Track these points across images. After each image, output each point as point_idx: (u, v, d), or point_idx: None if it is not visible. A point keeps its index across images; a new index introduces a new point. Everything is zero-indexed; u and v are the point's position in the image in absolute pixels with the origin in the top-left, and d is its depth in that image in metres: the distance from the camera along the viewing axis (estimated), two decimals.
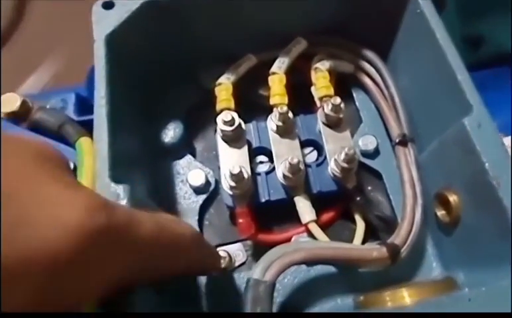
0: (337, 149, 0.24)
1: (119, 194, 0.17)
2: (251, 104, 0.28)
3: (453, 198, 0.21)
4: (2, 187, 0.11)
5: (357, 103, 0.29)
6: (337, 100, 0.24)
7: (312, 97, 0.28)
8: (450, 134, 0.21)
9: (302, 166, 0.23)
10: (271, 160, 0.26)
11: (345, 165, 0.23)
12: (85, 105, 0.31)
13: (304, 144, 0.26)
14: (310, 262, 0.22)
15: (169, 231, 0.16)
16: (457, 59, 0.21)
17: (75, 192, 0.12)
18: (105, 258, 0.12)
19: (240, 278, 0.24)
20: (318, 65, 0.27)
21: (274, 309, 0.21)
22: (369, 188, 0.27)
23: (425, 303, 0.16)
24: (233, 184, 0.22)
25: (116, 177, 0.18)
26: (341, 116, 0.24)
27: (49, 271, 0.11)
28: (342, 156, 0.23)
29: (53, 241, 0.11)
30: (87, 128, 0.27)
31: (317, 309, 0.23)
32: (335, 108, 0.24)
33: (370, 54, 0.28)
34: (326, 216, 0.25)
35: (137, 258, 0.14)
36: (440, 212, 0.22)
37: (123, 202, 0.17)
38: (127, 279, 0.14)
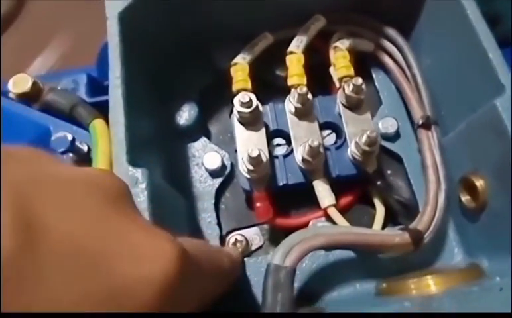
0: (358, 132, 0.23)
1: (138, 178, 0.17)
2: (267, 85, 0.27)
3: (479, 183, 0.20)
4: (81, 238, 0.10)
5: (376, 84, 0.28)
6: (359, 80, 0.23)
7: (330, 78, 0.27)
8: (480, 116, 0.20)
9: (321, 149, 0.22)
10: (288, 143, 0.25)
11: (366, 148, 0.22)
12: (96, 85, 0.30)
13: (322, 127, 0.25)
14: (330, 248, 0.21)
15: (215, 262, 0.16)
16: (488, 37, 0.20)
17: (153, 239, 0.12)
18: (182, 297, 0.13)
19: (257, 262, 0.23)
20: (337, 44, 0.26)
21: None
22: (389, 172, 0.26)
23: (453, 292, 0.15)
24: (251, 168, 0.22)
25: (133, 161, 0.18)
26: (362, 97, 0.23)
27: None
28: (364, 139, 0.22)
29: (139, 298, 0.11)
30: (99, 109, 0.27)
31: (335, 294, 0.23)
32: (357, 89, 0.23)
33: (392, 32, 0.26)
34: (344, 200, 0.25)
35: (200, 291, 0.14)
36: (465, 198, 0.21)
37: (142, 186, 0.17)
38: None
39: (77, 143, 0.24)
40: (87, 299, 0.10)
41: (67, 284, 0.10)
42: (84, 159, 0.25)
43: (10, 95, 0.28)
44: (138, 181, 0.17)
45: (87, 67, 0.35)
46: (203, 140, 0.26)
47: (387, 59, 0.27)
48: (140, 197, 0.17)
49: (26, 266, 0.09)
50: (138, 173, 0.17)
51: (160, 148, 0.24)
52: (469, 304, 0.15)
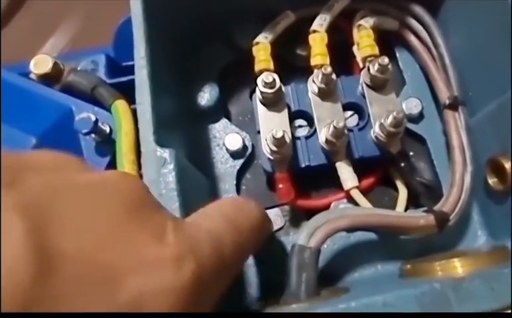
0: (383, 112, 0.23)
1: (166, 158, 0.17)
2: (288, 64, 0.27)
3: (509, 165, 0.20)
4: (96, 256, 0.10)
5: (400, 64, 0.27)
6: (385, 60, 0.22)
7: (352, 57, 0.26)
8: None
9: (345, 130, 0.22)
10: (310, 124, 0.25)
11: (392, 129, 0.22)
12: (114, 66, 0.30)
13: (344, 108, 0.24)
14: (354, 229, 0.21)
15: (242, 225, 0.16)
16: None
17: (161, 246, 0.12)
18: (204, 294, 0.12)
19: (279, 243, 0.23)
20: (362, 22, 0.25)
21: None
22: (412, 153, 0.26)
23: (483, 273, 0.15)
24: (274, 149, 0.22)
25: (160, 141, 0.18)
26: (387, 77, 0.23)
27: None
28: (389, 120, 0.22)
29: (157, 308, 0.11)
30: (118, 90, 0.27)
31: (357, 275, 0.23)
32: (383, 68, 0.23)
33: (418, 9, 0.26)
34: (366, 182, 0.24)
35: (228, 274, 0.14)
36: (492, 180, 0.21)
37: (170, 167, 0.17)
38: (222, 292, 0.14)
39: (99, 124, 0.25)
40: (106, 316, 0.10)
41: (86, 305, 0.10)
42: (106, 139, 0.25)
43: (32, 76, 0.28)
44: (166, 161, 0.17)
45: (103, 48, 0.35)
46: (224, 121, 0.26)
47: (413, 38, 0.26)
48: (169, 177, 0.17)
49: (44, 294, 0.09)
50: (166, 153, 0.17)
51: (183, 129, 0.24)
52: (500, 285, 0.15)
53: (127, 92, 0.25)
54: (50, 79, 0.28)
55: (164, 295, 0.11)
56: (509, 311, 0.15)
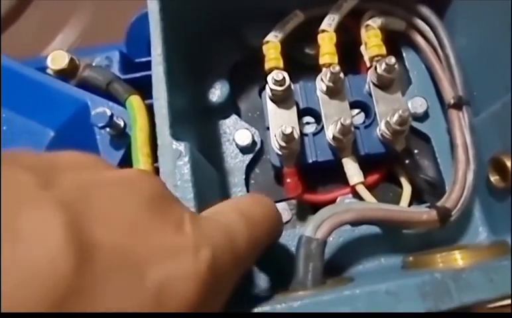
0: (389, 111, 0.23)
1: (181, 151, 0.18)
2: (296, 63, 0.27)
3: (510, 163, 0.21)
4: (125, 248, 0.11)
5: (406, 63, 0.28)
6: (392, 60, 0.23)
7: (359, 57, 0.27)
8: None
9: (352, 128, 0.23)
10: (317, 121, 0.25)
11: (397, 127, 0.22)
12: (128, 62, 0.31)
13: (351, 106, 0.25)
14: (359, 222, 0.22)
15: (257, 221, 0.16)
16: None
17: (181, 235, 0.13)
18: (219, 282, 0.13)
19: (286, 236, 0.24)
20: (369, 22, 0.26)
21: None
22: (416, 151, 0.27)
23: (483, 265, 0.16)
24: (283, 144, 0.22)
25: (175, 135, 0.19)
26: (394, 77, 0.24)
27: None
28: (395, 118, 0.22)
29: (181, 293, 0.12)
30: (132, 86, 0.27)
31: (361, 267, 0.24)
32: (389, 68, 0.23)
33: (425, 10, 0.26)
34: (371, 178, 0.25)
35: (241, 266, 0.15)
36: (494, 178, 0.22)
37: (185, 159, 0.18)
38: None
39: (114, 118, 0.26)
40: (137, 306, 0.11)
41: (118, 290, 0.10)
42: (121, 133, 0.26)
43: (48, 71, 0.29)
44: (181, 154, 0.18)
45: (116, 44, 0.36)
46: (234, 117, 0.27)
47: (419, 39, 0.27)
48: (184, 169, 0.18)
49: (84, 283, 0.10)
50: (181, 146, 0.18)
51: (195, 124, 0.25)
52: (499, 276, 0.15)
53: (140, 88, 0.26)
54: (66, 74, 0.28)
55: (184, 280, 0.12)
56: (509, 311, 0.15)
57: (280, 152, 0.23)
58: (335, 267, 0.23)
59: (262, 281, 0.23)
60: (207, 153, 0.25)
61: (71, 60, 0.28)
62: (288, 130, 0.22)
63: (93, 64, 0.30)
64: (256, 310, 0.15)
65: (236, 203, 0.17)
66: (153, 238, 0.12)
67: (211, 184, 0.23)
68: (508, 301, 0.16)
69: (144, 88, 0.25)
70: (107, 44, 0.37)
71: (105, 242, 0.11)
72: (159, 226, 0.12)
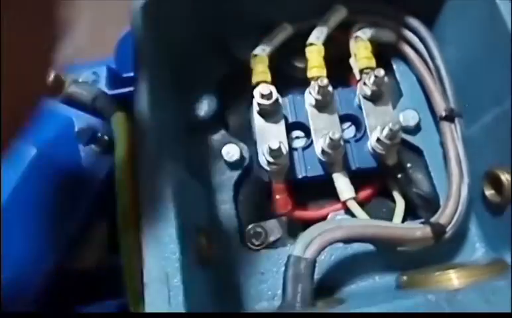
0: (379, 124, 0.23)
1: (165, 169, 0.17)
2: (285, 76, 0.27)
3: (505, 177, 0.20)
4: None
5: (397, 75, 0.28)
6: (381, 72, 0.23)
7: (349, 69, 0.26)
8: (508, 110, 0.19)
9: (342, 142, 0.22)
10: (307, 135, 0.25)
11: (388, 141, 0.22)
12: (116, 78, 0.31)
13: (341, 119, 0.25)
14: (350, 240, 0.21)
15: None
16: None
17: None
18: None
19: (276, 254, 0.23)
20: (359, 33, 0.25)
21: None
22: (409, 165, 0.26)
23: (479, 285, 0.15)
24: (271, 160, 0.22)
25: (159, 152, 0.18)
26: (383, 89, 0.23)
27: None
28: (385, 132, 0.22)
29: None
30: (119, 101, 0.27)
31: (354, 286, 0.23)
32: (378, 81, 0.23)
33: (414, 22, 0.26)
34: (364, 193, 0.25)
35: None
36: (489, 192, 0.21)
37: (167, 177, 0.17)
38: None
39: (99, 134, 0.25)
40: None
41: None
42: (106, 150, 0.25)
43: None
44: (165, 172, 0.17)
45: (106, 59, 0.35)
46: (222, 132, 0.26)
47: (409, 50, 0.26)
48: (166, 188, 0.17)
49: None
50: (165, 164, 0.17)
51: (182, 139, 0.25)
52: (496, 297, 0.15)
53: (128, 103, 0.26)
54: (51, 90, 0.28)
55: None
56: (509, 311, 0.14)
57: (268, 168, 0.22)
58: (327, 287, 0.22)
59: (250, 303, 0.22)
60: (195, 169, 0.24)
61: (57, 77, 0.28)
62: (275, 145, 0.21)
63: (80, 80, 0.29)
64: None
65: None
66: None
67: (196, 202, 0.22)
68: None
69: (131, 103, 0.25)
70: (95, 60, 0.37)
71: None
72: None
